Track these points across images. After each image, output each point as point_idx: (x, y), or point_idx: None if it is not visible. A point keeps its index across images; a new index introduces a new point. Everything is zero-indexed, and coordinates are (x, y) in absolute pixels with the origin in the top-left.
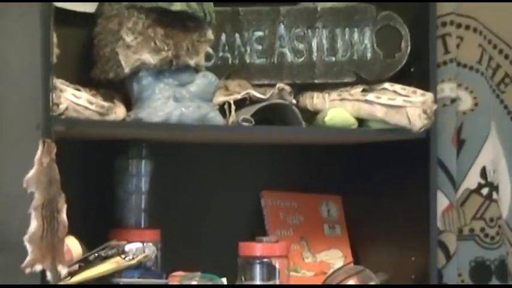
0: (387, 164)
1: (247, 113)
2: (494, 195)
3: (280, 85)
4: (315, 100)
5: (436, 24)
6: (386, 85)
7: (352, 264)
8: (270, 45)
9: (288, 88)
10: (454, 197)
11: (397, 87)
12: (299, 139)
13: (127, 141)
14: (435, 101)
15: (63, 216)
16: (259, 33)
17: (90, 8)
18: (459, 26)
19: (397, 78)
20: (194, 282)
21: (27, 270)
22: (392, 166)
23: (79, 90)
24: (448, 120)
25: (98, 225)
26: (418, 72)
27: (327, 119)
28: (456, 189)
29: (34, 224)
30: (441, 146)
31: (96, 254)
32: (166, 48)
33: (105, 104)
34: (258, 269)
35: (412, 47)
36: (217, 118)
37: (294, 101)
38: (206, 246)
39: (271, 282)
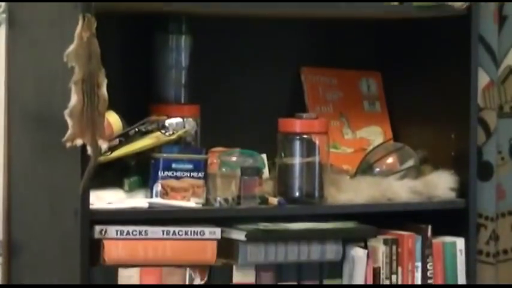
0: (428, 40)
1: None
2: None
3: None
4: None
5: None
6: None
7: (391, 141)
8: None
9: None
10: (495, 74)
11: None
12: (340, 14)
13: (167, 16)
14: None
15: (104, 90)
16: None
17: None
18: None
19: None
20: (234, 158)
21: (68, 145)
22: (433, 43)
23: None
24: None
25: (137, 101)
26: None
27: None
28: (497, 67)
29: (74, 99)
30: (482, 23)
31: (136, 129)
32: None
33: None
34: (297, 145)
35: None
36: None
37: None
38: (246, 122)
39: (310, 159)
